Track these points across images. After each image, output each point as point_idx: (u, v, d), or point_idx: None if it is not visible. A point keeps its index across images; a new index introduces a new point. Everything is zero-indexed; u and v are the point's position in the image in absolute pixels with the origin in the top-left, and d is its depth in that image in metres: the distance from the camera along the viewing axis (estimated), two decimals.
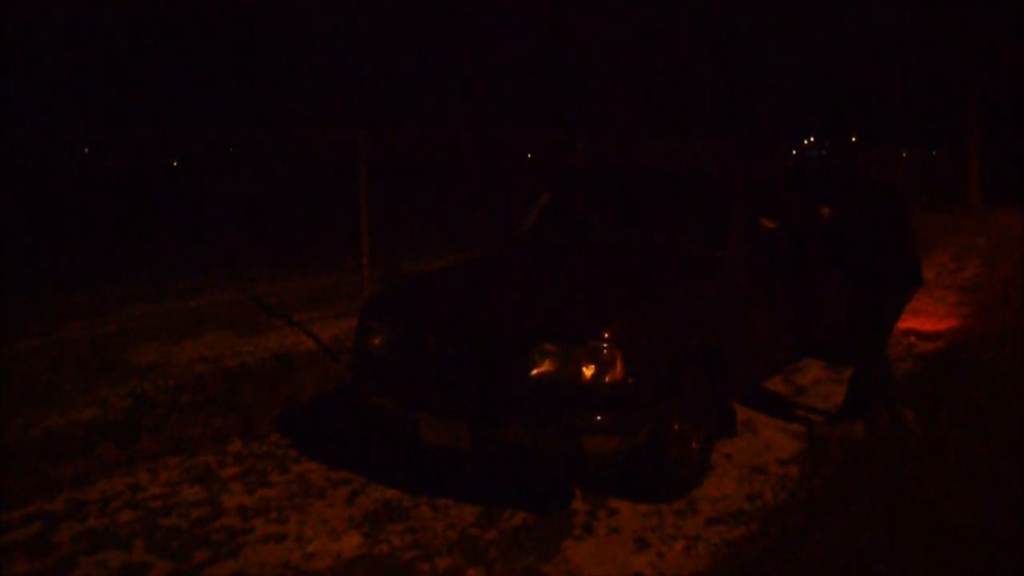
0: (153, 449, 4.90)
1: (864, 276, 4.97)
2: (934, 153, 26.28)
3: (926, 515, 4.00)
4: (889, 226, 4.94)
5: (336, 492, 4.31)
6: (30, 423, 5.28)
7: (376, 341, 4.43)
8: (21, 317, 8.05)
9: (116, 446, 4.90)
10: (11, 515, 4.03)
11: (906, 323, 8.16)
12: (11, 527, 3.92)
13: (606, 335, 3.78)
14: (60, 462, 4.67)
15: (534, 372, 3.82)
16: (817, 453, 4.85)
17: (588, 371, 3.75)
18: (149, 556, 3.68)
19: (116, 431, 5.13)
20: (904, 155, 23.39)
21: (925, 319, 8.44)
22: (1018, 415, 5.39)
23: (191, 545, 3.77)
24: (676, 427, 4.13)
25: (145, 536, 3.85)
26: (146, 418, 5.37)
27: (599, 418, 3.72)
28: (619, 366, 3.75)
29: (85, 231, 14.34)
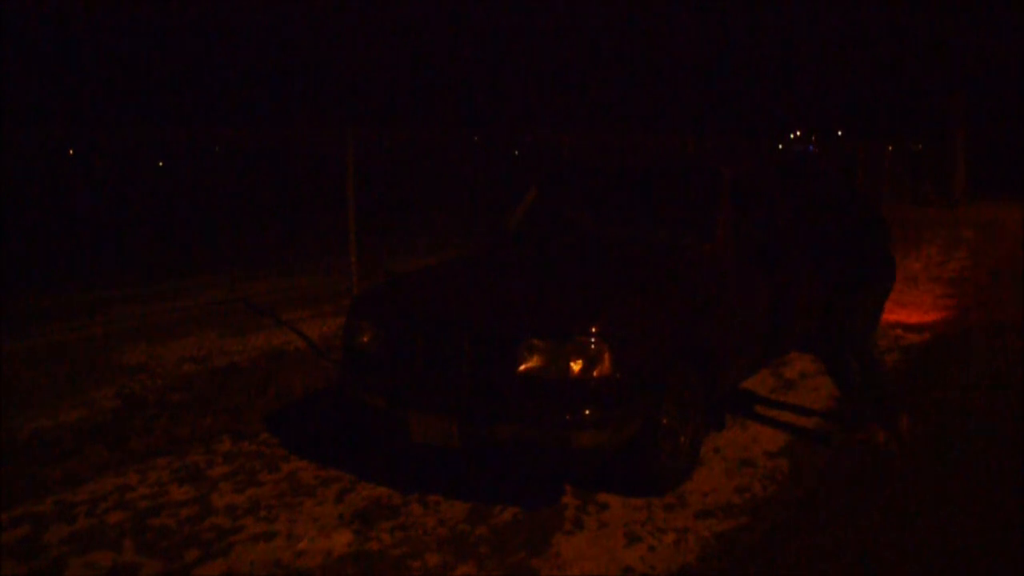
0: (142, 449, 4.89)
1: (833, 275, 4.90)
2: (920, 147, 26.40)
3: (916, 508, 4.03)
4: (852, 225, 4.85)
5: (326, 490, 4.31)
6: (18, 425, 5.26)
7: (364, 339, 4.42)
8: (9, 318, 8.01)
9: (105, 447, 4.89)
10: (0, 517, 4.01)
11: (893, 315, 8.21)
12: (0, 529, 3.90)
13: (593, 330, 3.79)
14: (49, 463, 4.65)
15: (522, 368, 3.83)
16: (806, 447, 4.87)
17: (576, 366, 3.76)
18: (139, 556, 3.67)
19: (105, 432, 5.12)
20: (890, 148, 23.49)
21: (912, 311, 8.48)
22: (1007, 407, 5.42)
23: (181, 545, 3.76)
24: (665, 421, 4.14)
25: (135, 536, 3.84)
26: (135, 419, 5.36)
27: (588, 413, 3.73)
28: (607, 361, 3.76)
29: (72, 232, 14.26)
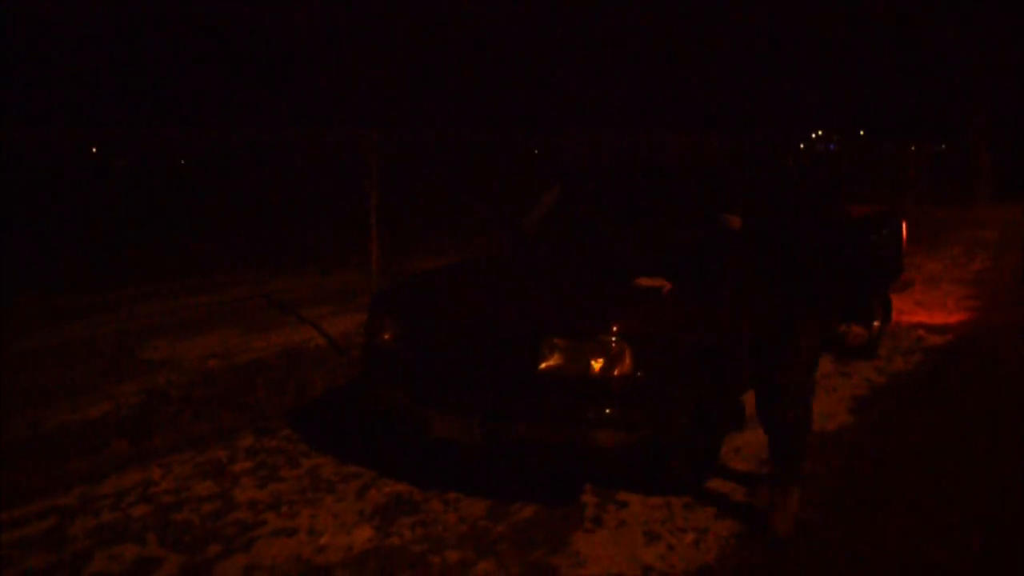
0: (165, 444, 4.94)
1: (776, 301, 3.99)
2: (943, 146, 26.17)
3: (938, 512, 4.01)
4: (802, 241, 4.05)
5: (347, 486, 4.34)
6: (44, 419, 5.32)
7: (386, 336, 4.45)
8: (33, 315, 8.11)
9: (128, 442, 4.94)
10: (27, 509, 4.07)
11: (915, 316, 8.18)
12: (27, 521, 3.96)
13: (614, 329, 3.80)
14: (74, 457, 4.71)
15: (543, 366, 3.84)
16: (826, 448, 4.85)
17: (597, 365, 3.76)
18: (162, 550, 3.71)
19: (128, 427, 5.17)
20: (913, 149, 23.30)
21: (934, 312, 8.43)
22: None
23: (203, 539, 3.80)
24: (685, 421, 4.14)
25: (158, 530, 3.88)
26: (158, 414, 5.41)
27: (608, 412, 3.74)
28: (627, 360, 3.76)
29: (96, 230, 14.41)
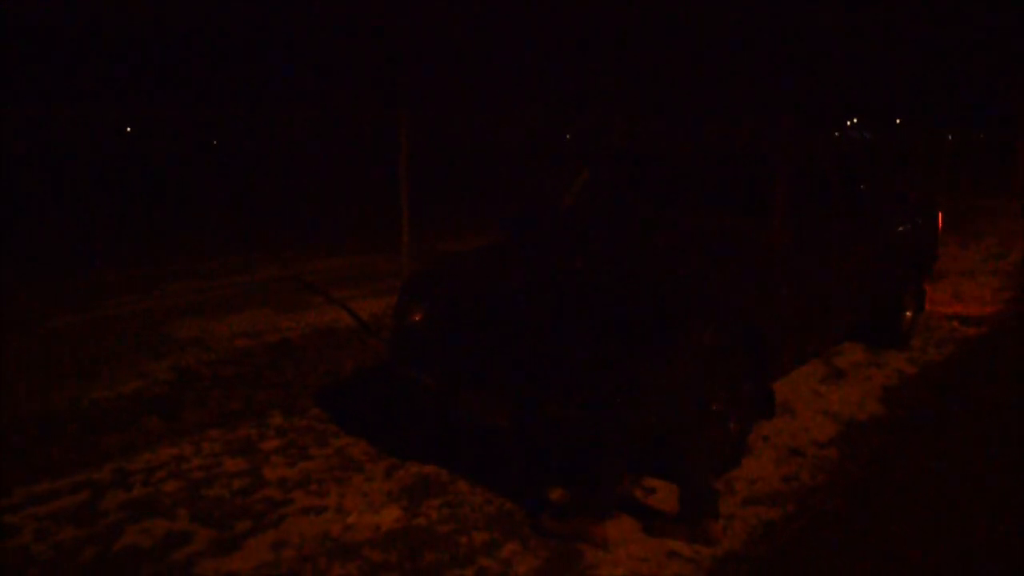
0: (196, 421, 4.99)
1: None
2: (982, 136, 25.75)
3: (966, 502, 3.97)
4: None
5: (375, 466, 4.36)
6: (77, 395, 5.40)
7: (415, 318, 4.46)
8: (66, 293, 8.22)
9: (160, 418, 5.00)
10: (60, 483, 4.13)
11: (950, 307, 8.07)
12: (60, 495, 4.02)
13: (643, 313, 3.77)
14: (107, 433, 4.77)
15: (572, 349, 3.82)
16: (855, 438, 4.82)
17: (627, 348, 3.74)
18: (192, 525, 3.75)
19: (160, 404, 5.24)
20: (950, 138, 22.94)
21: (969, 303, 8.31)
22: None
23: (233, 515, 3.84)
24: (715, 407, 4.12)
25: (188, 506, 3.93)
26: (189, 391, 5.47)
27: (639, 395, 3.71)
28: (657, 345, 3.74)
29: (128, 210, 14.57)
